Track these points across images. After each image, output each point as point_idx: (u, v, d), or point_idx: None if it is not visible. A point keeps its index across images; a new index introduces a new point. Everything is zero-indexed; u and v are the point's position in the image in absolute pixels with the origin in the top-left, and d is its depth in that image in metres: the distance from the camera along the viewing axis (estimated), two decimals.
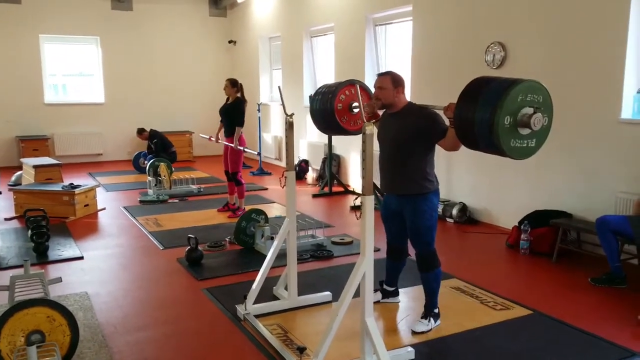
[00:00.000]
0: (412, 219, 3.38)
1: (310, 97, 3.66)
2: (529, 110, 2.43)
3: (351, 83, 3.63)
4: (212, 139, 6.98)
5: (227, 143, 6.48)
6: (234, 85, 6.43)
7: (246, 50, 11.89)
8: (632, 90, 4.63)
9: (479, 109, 2.44)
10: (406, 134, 3.30)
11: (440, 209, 6.10)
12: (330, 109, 3.58)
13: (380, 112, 3.53)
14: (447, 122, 3.13)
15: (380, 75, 3.41)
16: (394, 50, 7.75)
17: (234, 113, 6.38)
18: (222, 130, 6.62)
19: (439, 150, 3.35)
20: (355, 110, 3.60)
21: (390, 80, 3.33)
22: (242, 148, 6.38)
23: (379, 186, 3.85)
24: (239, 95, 6.44)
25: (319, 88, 3.84)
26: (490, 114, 2.39)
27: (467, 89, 2.59)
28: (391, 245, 3.68)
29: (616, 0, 4.59)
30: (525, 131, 2.46)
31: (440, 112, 3.12)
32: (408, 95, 6.43)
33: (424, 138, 3.28)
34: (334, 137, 8.27)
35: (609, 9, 4.66)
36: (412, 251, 3.56)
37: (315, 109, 3.73)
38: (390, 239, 3.67)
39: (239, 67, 12.23)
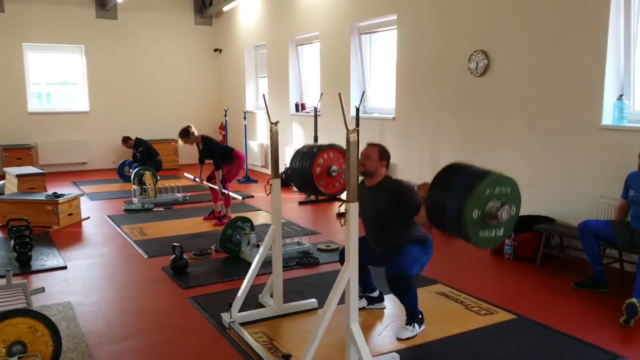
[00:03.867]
0: (398, 251, 3.41)
1: (292, 157, 3.83)
2: (496, 203, 2.48)
3: (331, 147, 3.78)
4: (197, 180, 6.84)
5: (213, 186, 6.47)
6: (187, 134, 6.37)
7: (232, 58, 11.90)
8: (612, 97, 4.71)
9: (448, 201, 2.49)
10: (383, 211, 3.43)
11: None
12: (308, 172, 3.70)
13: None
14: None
15: (370, 145, 3.51)
16: (378, 59, 7.80)
17: (210, 156, 6.38)
18: (203, 169, 6.67)
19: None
20: (334, 174, 3.73)
21: (378, 152, 3.45)
22: (226, 191, 6.32)
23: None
24: (199, 136, 6.41)
25: (301, 147, 3.96)
26: (459, 207, 2.44)
27: (439, 177, 2.63)
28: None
29: (596, 9, 4.68)
30: (493, 222, 2.50)
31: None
32: (392, 104, 6.46)
33: (400, 214, 3.39)
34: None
35: (590, 17, 4.74)
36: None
37: (295, 167, 3.84)
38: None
39: (225, 75, 12.23)
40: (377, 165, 3.43)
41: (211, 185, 6.52)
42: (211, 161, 6.45)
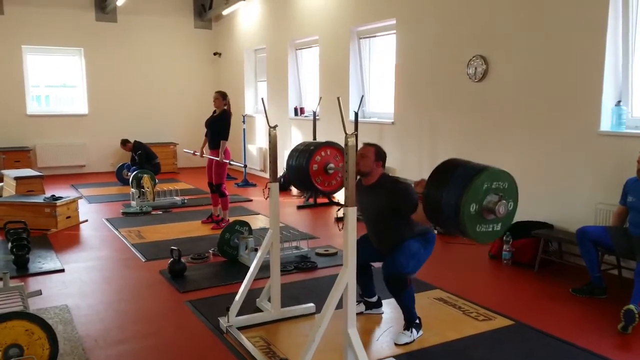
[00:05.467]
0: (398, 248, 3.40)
1: (289, 154, 3.86)
2: (494, 197, 2.47)
3: (328, 144, 3.80)
4: (196, 153, 6.95)
5: (211, 157, 6.47)
6: (224, 97, 6.47)
7: (231, 62, 11.91)
8: (610, 102, 4.72)
9: (445, 196, 2.49)
10: (381, 209, 3.43)
11: None
12: (305, 169, 3.72)
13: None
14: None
15: (366, 144, 3.51)
16: (377, 63, 7.81)
17: (220, 126, 6.39)
18: (207, 144, 6.63)
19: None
20: (331, 172, 3.76)
21: (374, 152, 3.45)
22: (228, 161, 6.37)
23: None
24: (225, 107, 6.46)
25: (298, 145, 3.97)
26: (457, 202, 2.43)
27: (436, 173, 2.64)
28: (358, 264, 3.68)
29: (595, 15, 4.69)
30: (490, 216, 2.49)
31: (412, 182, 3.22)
32: (391, 108, 6.44)
33: (398, 212, 3.38)
34: None
35: (588, 23, 4.75)
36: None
37: (292, 165, 3.86)
38: (358, 258, 3.68)
39: (224, 79, 12.24)
40: (372, 165, 3.43)
41: (211, 157, 6.50)
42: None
